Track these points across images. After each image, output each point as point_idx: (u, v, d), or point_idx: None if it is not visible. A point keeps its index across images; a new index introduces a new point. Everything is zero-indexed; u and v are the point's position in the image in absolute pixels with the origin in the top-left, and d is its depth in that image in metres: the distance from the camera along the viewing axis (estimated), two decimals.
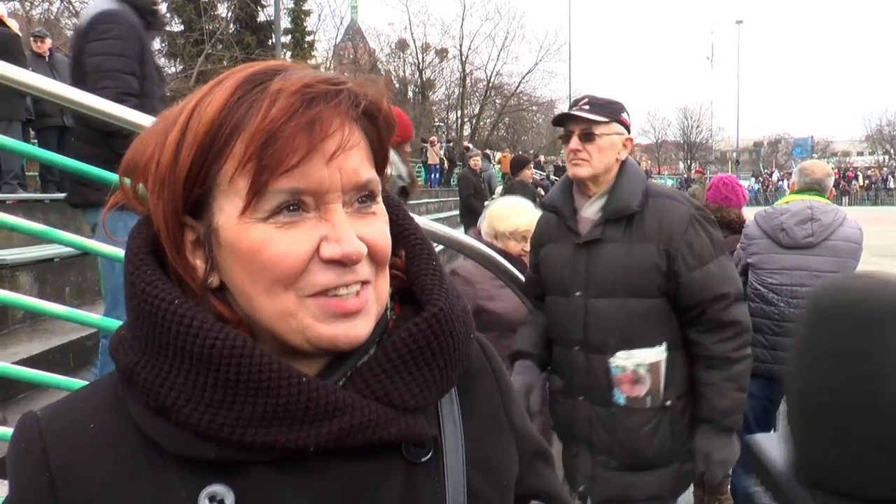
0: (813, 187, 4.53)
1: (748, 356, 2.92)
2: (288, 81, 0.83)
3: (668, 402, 2.91)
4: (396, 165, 4.43)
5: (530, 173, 10.43)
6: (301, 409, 0.83)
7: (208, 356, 0.83)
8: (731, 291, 2.88)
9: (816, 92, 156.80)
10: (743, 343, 2.89)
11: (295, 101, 0.81)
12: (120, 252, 3.20)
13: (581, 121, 2.98)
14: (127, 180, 0.93)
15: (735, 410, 2.88)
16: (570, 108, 3.08)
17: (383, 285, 0.93)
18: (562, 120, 3.09)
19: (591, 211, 3.01)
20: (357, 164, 0.87)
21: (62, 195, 9.99)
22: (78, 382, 3.27)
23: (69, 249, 5.43)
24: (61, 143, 10.42)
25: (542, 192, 12.91)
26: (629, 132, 3.08)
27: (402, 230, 1.03)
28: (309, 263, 0.84)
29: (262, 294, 0.85)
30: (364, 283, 0.88)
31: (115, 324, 3.07)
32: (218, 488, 0.84)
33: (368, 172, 0.89)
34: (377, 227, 0.90)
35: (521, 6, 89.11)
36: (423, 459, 0.93)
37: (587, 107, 2.99)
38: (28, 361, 4.87)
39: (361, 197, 0.88)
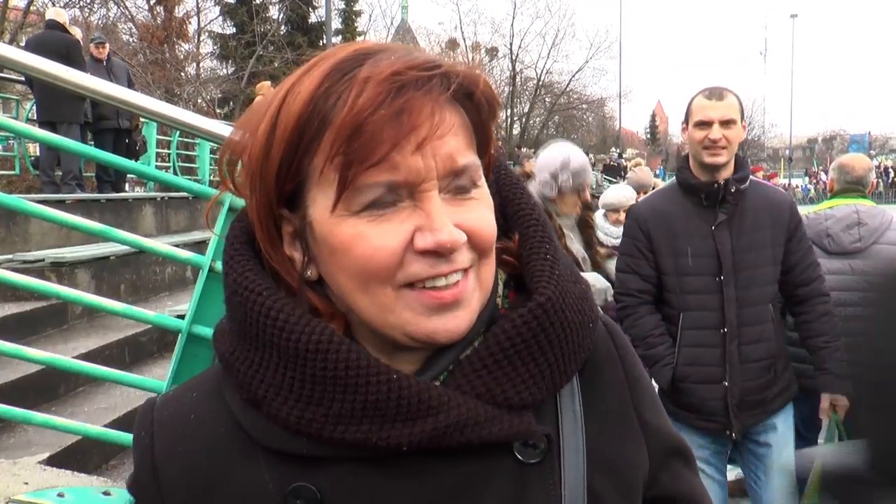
0: (856, 188, 4.40)
1: None
2: (377, 69, 0.78)
3: None
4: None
5: None
6: (392, 407, 0.80)
7: (294, 350, 0.80)
8: None
9: (874, 87, 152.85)
10: None
11: (382, 91, 0.77)
12: (173, 251, 3.30)
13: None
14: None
15: None
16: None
17: (487, 273, 0.87)
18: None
19: None
20: (453, 148, 0.81)
21: (118, 195, 10.27)
22: (133, 377, 3.36)
23: (124, 248, 5.57)
24: (116, 144, 10.67)
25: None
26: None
27: (517, 210, 0.96)
28: (404, 256, 0.80)
29: (358, 289, 0.82)
30: (465, 270, 0.83)
31: (167, 320, 3.16)
32: (305, 487, 0.83)
33: (466, 157, 0.83)
34: (478, 214, 0.84)
35: (572, 4, 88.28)
36: (537, 460, 0.87)
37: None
38: (86, 356, 5.02)
39: (460, 182, 0.83)
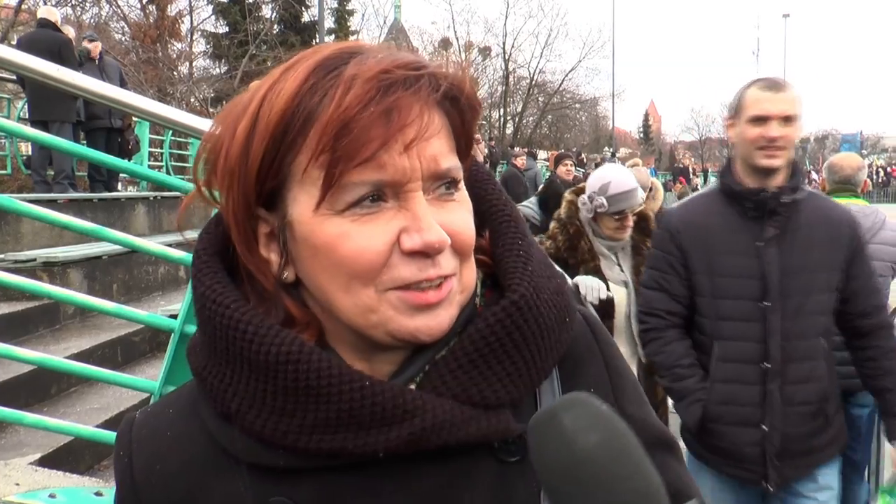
0: (846, 187, 4.42)
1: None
2: (364, 66, 0.78)
3: None
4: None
5: (565, 169, 10.35)
6: (367, 414, 0.79)
7: (265, 362, 0.79)
8: None
9: (866, 86, 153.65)
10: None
11: (371, 89, 0.76)
12: (166, 250, 3.29)
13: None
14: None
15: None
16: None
17: (468, 275, 0.87)
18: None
19: None
20: (437, 150, 0.81)
21: (110, 194, 10.23)
22: (126, 377, 3.35)
23: (117, 247, 5.55)
24: (109, 143, 10.64)
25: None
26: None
27: (489, 206, 0.96)
28: (390, 257, 0.79)
29: (340, 290, 0.81)
30: (448, 276, 0.83)
31: (159, 320, 3.15)
32: (283, 500, 0.82)
33: (449, 160, 0.83)
34: (459, 216, 0.84)
35: (565, 3, 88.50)
36: (516, 458, 0.86)
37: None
38: (78, 356, 5.00)
39: (443, 184, 0.83)
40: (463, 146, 0.87)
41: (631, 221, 3.78)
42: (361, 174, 0.77)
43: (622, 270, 3.83)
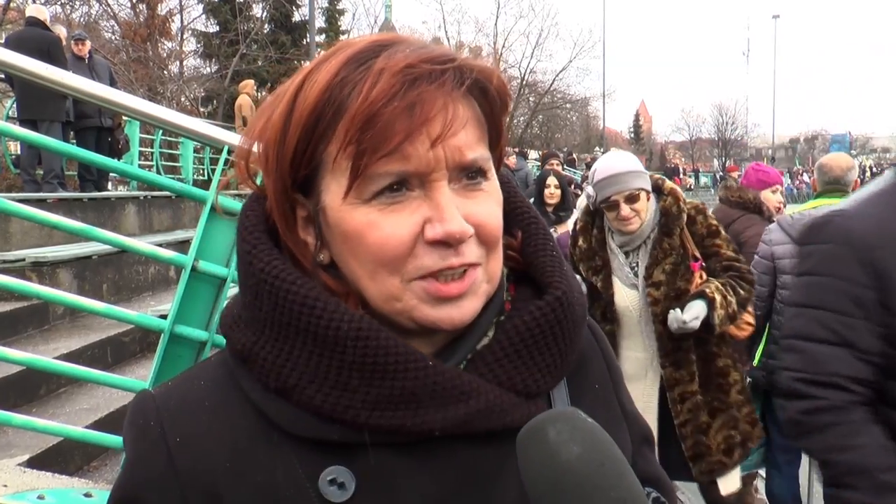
0: (836, 188, 4.45)
1: None
2: (391, 61, 0.81)
3: None
4: None
5: (550, 168, 10.36)
6: (427, 393, 0.82)
7: (333, 338, 0.82)
8: None
9: (855, 86, 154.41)
10: None
11: (396, 83, 0.79)
12: (156, 250, 3.27)
13: None
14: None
15: None
16: None
17: (495, 266, 0.89)
18: None
19: None
20: (463, 142, 0.83)
21: (100, 194, 10.19)
22: (115, 378, 3.34)
23: (106, 247, 5.53)
24: (99, 143, 10.59)
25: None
26: None
27: (514, 208, 1.00)
28: (414, 247, 0.82)
29: (367, 276, 0.84)
30: (472, 265, 0.85)
31: (149, 320, 3.14)
32: (339, 470, 0.83)
33: (475, 151, 0.85)
34: (486, 207, 0.86)
35: (556, 3, 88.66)
36: None
37: None
38: (68, 357, 4.98)
39: (470, 174, 0.85)
40: (494, 136, 0.90)
41: (628, 210, 3.34)
42: (386, 165, 0.80)
43: (632, 270, 3.52)
